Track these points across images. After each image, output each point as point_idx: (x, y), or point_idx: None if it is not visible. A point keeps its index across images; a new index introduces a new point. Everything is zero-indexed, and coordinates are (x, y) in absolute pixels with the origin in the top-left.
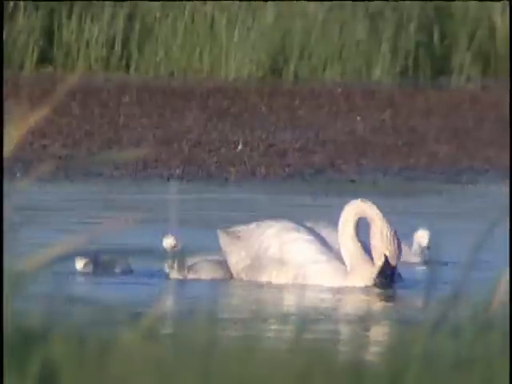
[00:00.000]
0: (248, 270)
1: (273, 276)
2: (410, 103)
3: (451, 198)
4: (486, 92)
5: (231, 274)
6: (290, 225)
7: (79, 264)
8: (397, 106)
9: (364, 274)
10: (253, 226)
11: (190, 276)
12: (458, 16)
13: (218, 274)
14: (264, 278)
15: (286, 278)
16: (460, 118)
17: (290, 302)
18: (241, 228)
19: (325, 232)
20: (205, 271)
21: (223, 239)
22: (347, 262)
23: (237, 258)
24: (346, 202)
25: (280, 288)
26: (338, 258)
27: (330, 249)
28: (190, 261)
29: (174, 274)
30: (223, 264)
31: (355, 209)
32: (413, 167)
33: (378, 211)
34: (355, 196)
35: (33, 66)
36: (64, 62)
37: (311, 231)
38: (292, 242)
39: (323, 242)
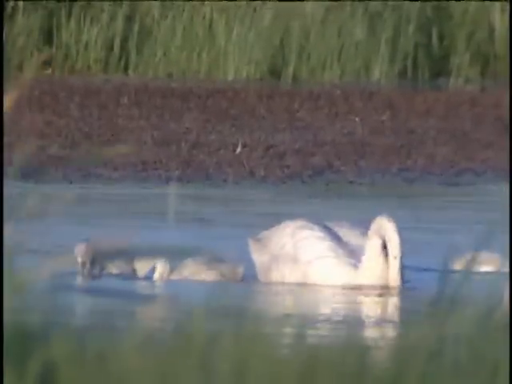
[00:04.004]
0: (267, 270)
1: (285, 275)
2: (408, 104)
3: (450, 200)
4: (484, 93)
5: (220, 275)
6: (306, 223)
7: (78, 264)
8: (395, 107)
9: (373, 273)
10: (275, 228)
11: (177, 277)
12: (456, 17)
13: (206, 274)
14: (278, 278)
15: (296, 277)
16: (459, 120)
17: (294, 301)
18: (266, 232)
19: (344, 231)
20: (192, 271)
21: (251, 246)
22: (363, 260)
23: (260, 260)
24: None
25: (286, 287)
26: (350, 255)
27: (344, 247)
28: (179, 261)
29: (82, 281)
30: (212, 264)
31: (376, 226)
32: (411, 169)
33: (395, 234)
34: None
35: (32, 68)
36: (63, 64)
37: (327, 230)
38: (303, 240)
39: (337, 240)
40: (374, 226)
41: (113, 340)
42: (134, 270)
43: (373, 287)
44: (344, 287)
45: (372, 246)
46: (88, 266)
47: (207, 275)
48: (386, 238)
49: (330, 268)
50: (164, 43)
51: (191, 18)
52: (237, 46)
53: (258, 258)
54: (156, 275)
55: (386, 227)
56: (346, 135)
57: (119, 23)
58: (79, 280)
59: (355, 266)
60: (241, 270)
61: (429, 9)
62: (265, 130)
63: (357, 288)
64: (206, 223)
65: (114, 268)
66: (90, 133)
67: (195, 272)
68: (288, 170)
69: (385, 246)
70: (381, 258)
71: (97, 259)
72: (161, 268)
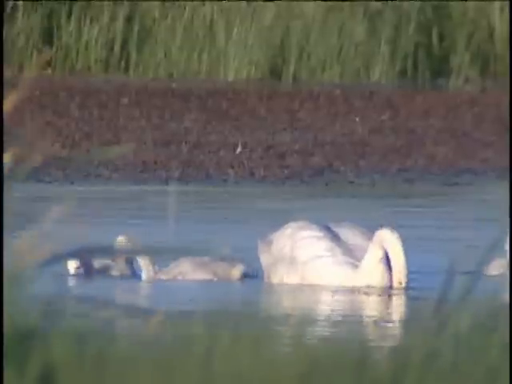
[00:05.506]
0: (269, 272)
1: (284, 276)
2: (408, 104)
3: (450, 199)
4: (484, 93)
5: (215, 275)
6: (306, 224)
7: (71, 266)
8: (395, 107)
9: (371, 277)
10: (279, 230)
11: (176, 276)
12: (456, 17)
13: (204, 274)
14: (277, 279)
15: (295, 277)
16: (459, 120)
17: (292, 301)
18: (273, 234)
19: (345, 231)
20: (190, 271)
21: (259, 248)
22: (363, 264)
23: (265, 262)
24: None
25: (285, 287)
26: (349, 255)
27: (343, 246)
28: (174, 261)
29: (117, 272)
30: (208, 264)
31: (379, 238)
32: (411, 168)
33: (399, 246)
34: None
35: (32, 68)
36: (63, 64)
37: (326, 230)
38: (301, 241)
39: (337, 239)
40: (377, 238)
41: (111, 341)
42: (133, 269)
43: (371, 288)
44: (343, 288)
45: (373, 255)
46: (87, 261)
47: (205, 274)
48: (390, 256)
49: (327, 268)
50: (164, 43)
51: (191, 19)
52: (237, 47)
53: (264, 259)
54: (143, 274)
55: (391, 244)
56: (345, 135)
57: (119, 23)
58: (78, 281)
59: (353, 266)
60: (239, 269)
61: (429, 9)
62: (265, 130)
63: (355, 289)
64: (206, 222)
65: (112, 269)
66: (90, 133)
67: (193, 271)
68: (288, 170)
69: (386, 255)
70: (381, 265)
71: (91, 259)
72: (145, 266)
